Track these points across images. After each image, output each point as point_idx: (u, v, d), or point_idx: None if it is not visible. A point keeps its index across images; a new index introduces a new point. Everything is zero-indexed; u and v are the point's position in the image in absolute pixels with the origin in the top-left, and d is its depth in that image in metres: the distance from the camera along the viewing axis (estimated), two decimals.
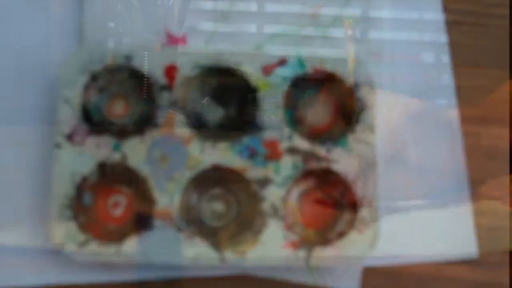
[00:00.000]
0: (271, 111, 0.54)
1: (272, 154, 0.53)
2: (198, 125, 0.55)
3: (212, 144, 0.53)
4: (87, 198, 0.53)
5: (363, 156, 0.53)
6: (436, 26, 0.59)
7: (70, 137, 0.53)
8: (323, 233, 0.54)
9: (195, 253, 0.51)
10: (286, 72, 0.54)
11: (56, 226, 0.52)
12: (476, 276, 0.56)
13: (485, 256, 0.56)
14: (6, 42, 0.58)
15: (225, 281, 0.54)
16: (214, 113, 0.56)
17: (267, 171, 0.53)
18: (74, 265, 0.54)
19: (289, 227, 0.52)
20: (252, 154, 0.53)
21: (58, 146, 0.53)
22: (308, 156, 0.53)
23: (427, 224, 0.56)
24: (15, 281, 0.54)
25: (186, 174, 0.53)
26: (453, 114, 0.58)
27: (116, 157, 0.53)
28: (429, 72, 0.59)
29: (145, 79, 0.54)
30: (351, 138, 0.53)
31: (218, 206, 0.54)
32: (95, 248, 0.51)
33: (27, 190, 0.55)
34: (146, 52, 0.54)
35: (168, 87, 0.54)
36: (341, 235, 0.53)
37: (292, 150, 0.53)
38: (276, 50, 0.57)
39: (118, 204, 0.54)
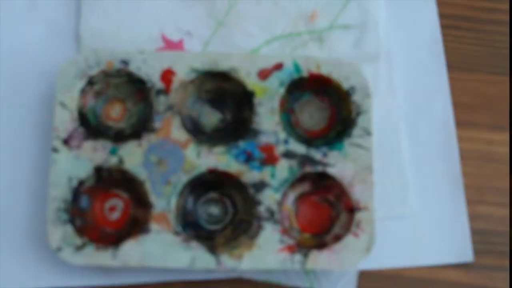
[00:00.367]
0: (267, 115, 0.54)
1: (268, 158, 0.53)
2: (195, 129, 0.55)
3: (208, 148, 0.53)
4: (84, 202, 0.54)
5: (359, 160, 0.53)
6: (431, 30, 0.59)
7: (67, 141, 0.53)
8: (319, 237, 0.54)
9: (192, 257, 0.52)
10: (282, 77, 0.54)
11: (53, 229, 0.52)
12: (471, 280, 0.56)
13: (481, 260, 0.56)
14: (3, 47, 0.58)
15: (221, 284, 0.54)
16: (211, 117, 0.56)
17: (263, 175, 0.53)
18: (71, 268, 0.54)
19: (285, 231, 0.52)
20: (248, 158, 0.53)
21: (55, 150, 0.53)
22: (304, 160, 0.53)
23: (423, 227, 0.56)
24: (12, 284, 0.54)
25: (183, 178, 0.53)
26: (448, 118, 0.58)
27: (112, 161, 0.53)
28: (424, 77, 0.59)
29: (142, 83, 0.54)
30: (347, 142, 0.53)
31: (215, 210, 0.55)
32: (91, 252, 0.52)
33: (24, 193, 0.55)
34: (142, 57, 0.54)
35: (165, 92, 0.54)
36: (337, 239, 0.53)
37: (288, 154, 0.53)
38: (272, 55, 0.57)
39: (115, 208, 0.54)
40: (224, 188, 0.54)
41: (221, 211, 0.55)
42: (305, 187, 0.54)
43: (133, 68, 0.54)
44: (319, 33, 0.58)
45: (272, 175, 0.53)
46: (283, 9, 0.58)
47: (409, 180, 0.56)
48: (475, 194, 0.57)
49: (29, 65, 0.58)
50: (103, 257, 0.51)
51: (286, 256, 0.52)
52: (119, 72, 0.54)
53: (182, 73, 0.54)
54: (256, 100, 0.54)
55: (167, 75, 0.54)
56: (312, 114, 0.56)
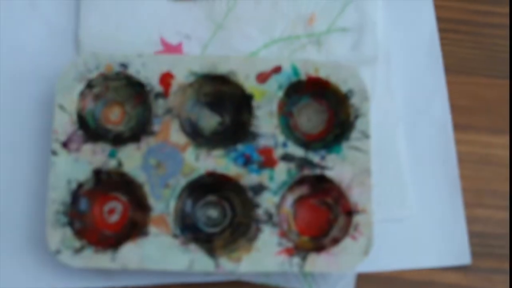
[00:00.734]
0: (265, 118, 0.54)
1: (267, 161, 0.53)
2: (193, 132, 0.55)
3: (207, 151, 0.53)
4: (83, 204, 0.54)
5: (357, 163, 0.53)
6: (429, 33, 0.60)
7: (66, 144, 0.53)
8: (318, 239, 0.54)
9: (190, 260, 0.52)
10: (281, 80, 0.54)
11: (52, 232, 0.52)
12: (470, 283, 0.56)
13: (479, 263, 0.56)
14: (3, 49, 0.58)
15: (220, 287, 0.54)
16: (209, 121, 0.56)
17: (262, 178, 0.53)
18: (70, 271, 0.54)
19: (284, 234, 0.52)
20: (246, 161, 0.53)
21: (54, 153, 0.53)
22: (302, 163, 0.53)
23: (421, 230, 0.56)
24: (11, 286, 0.54)
25: (181, 181, 0.53)
26: (446, 121, 0.58)
27: (112, 164, 0.53)
28: (422, 80, 0.59)
29: (141, 86, 0.54)
30: (345, 145, 0.54)
31: (213, 213, 0.55)
32: (90, 254, 0.52)
33: (24, 196, 0.56)
34: (141, 60, 0.54)
35: (164, 95, 0.54)
36: (335, 241, 0.53)
37: (287, 157, 0.53)
38: (271, 58, 0.57)
39: (114, 211, 0.55)
40: (223, 191, 0.54)
41: (220, 214, 0.55)
42: (303, 190, 0.54)
43: (132, 71, 0.54)
44: (317, 36, 0.58)
45: (271, 178, 0.53)
46: (281, 12, 0.59)
47: (407, 183, 0.56)
48: (473, 197, 0.57)
49: (29, 67, 0.58)
50: (102, 259, 0.52)
51: (285, 258, 0.52)
52: (118, 75, 0.54)
53: (181, 76, 0.54)
54: (255, 103, 0.54)
55: (166, 78, 0.54)
56: (310, 117, 0.57)
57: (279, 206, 0.53)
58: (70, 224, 0.52)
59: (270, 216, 0.53)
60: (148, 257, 0.52)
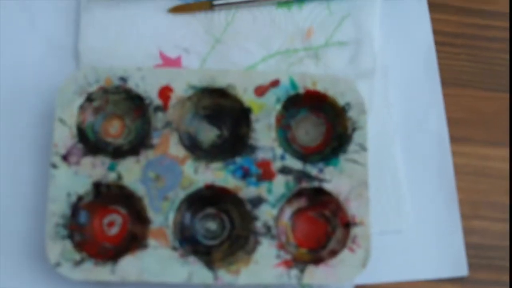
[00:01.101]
0: (263, 131, 0.54)
1: (265, 174, 0.54)
2: (192, 145, 0.55)
3: (205, 164, 0.54)
4: (83, 217, 0.54)
5: (354, 176, 0.54)
6: (426, 47, 0.60)
7: (66, 157, 0.53)
8: (316, 252, 0.54)
9: (189, 272, 0.52)
10: (279, 93, 0.55)
11: (52, 245, 0.52)
12: None
13: (476, 274, 0.56)
14: (3, 63, 0.58)
15: None
16: (208, 134, 0.57)
17: (260, 190, 0.53)
18: (70, 283, 0.54)
19: (282, 246, 0.53)
20: (245, 174, 0.54)
21: (54, 166, 0.53)
22: (300, 175, 0.54)
23: (418, 242, 0.56)
24: None
25: (180, 194, 0.53)
26: (443, 133, 0.58)
27: (111, 177, 0.53)
28: (419, 93, 0.59)
29: (140, 100, 0.55)
30: (342, 158, 0.54)
31: (212, 226, 0.55)
32: (90, 267, 0.52)
33: (23, 209, 0.56)
34: (141, 74, 0.55)
35: (163, 108, 0.54)
36: (333, 253, 0.53)
37: (285, 170, 0.54)
38: (269, 71, 0.57)
39: (113, 224, 0.55)
40: (221, 204, 0.55)
41: (219, 227, 0.55)
42: (301, 202, 0.55)
43: (131, 84, 0.55)
44: (315, 49, 0.59)
45: (269, 191, 0.53)
46: (279, 26, 0.59)
47: (405, 195, 0.57)
48: (470, 209, 0.57)
49: (29, 81, 0.58)
50: (102, 272, 0.52)
51: (283, 271, 0.52)
52: (117, 88, 0.55)
53: (179, 90, 0.55)
54: (253, 116, 0.54)
55: (165, 92, 0.55)
56: (308, 130, 0.57)
57: (277, 218, 0.53)
58: (70, 236, 0.52)
59: (268, 228, 0.53)
60: (147, 269, 0.52)
